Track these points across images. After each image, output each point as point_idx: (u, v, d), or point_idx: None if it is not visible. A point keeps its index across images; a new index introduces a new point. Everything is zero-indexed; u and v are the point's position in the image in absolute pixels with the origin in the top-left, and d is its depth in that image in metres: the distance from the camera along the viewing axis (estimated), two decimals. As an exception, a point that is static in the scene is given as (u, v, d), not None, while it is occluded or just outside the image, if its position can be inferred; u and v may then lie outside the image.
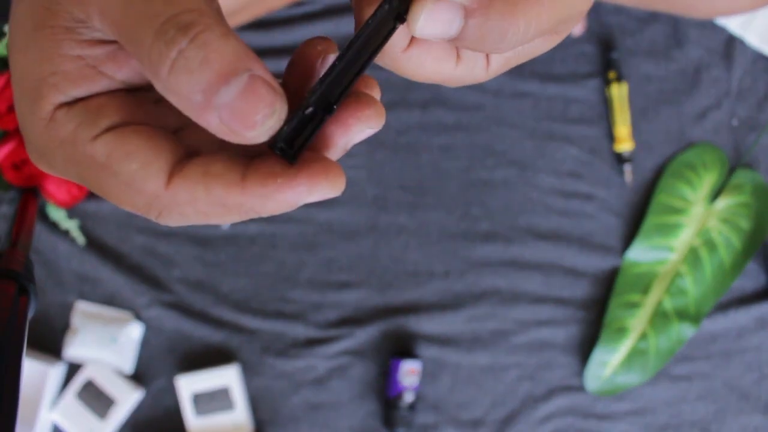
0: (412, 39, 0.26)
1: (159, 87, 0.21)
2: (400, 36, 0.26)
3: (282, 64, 1.01)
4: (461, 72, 0.28)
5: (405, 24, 0.24)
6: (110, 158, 0.22)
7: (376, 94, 0.25)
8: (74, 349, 0.97)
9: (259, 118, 0.20)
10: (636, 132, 1.02)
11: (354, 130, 0.24)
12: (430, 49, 0.27)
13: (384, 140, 1.02)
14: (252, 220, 1.01)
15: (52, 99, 0.23)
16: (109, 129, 0.23)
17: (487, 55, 0.28)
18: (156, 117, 0.24)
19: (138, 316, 1.01)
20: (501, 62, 0.28)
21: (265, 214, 0.23)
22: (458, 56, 0.27)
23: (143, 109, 0.24)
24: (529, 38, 0.25)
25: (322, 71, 0.24)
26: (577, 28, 1.01)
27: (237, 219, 0.23)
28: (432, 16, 0.23)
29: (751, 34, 1.01)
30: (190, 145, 0.24)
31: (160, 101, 0.25)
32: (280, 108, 0.21)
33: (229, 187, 0.22)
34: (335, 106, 0.23)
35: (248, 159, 0.23)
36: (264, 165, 0.22)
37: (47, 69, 0.23)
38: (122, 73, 0.24)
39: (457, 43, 0.25)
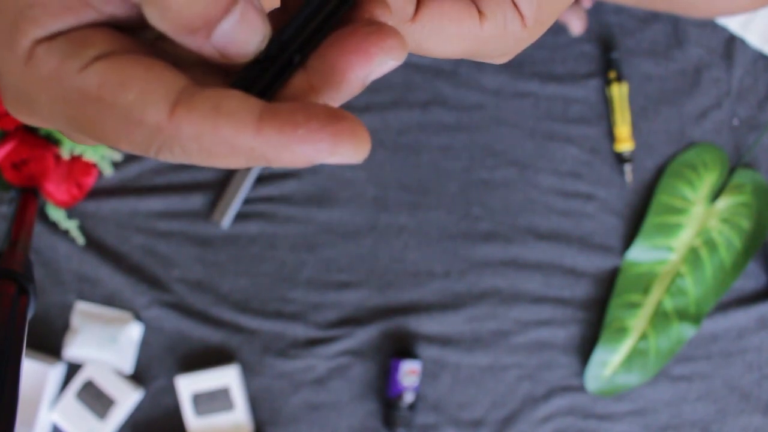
0: (418, 4, 0.24)
1: (152, 11, 0.19)
2: (404, 3, 0.24)
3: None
4: (492, 30, 0.25)
5: None
6: (103, 88, 0.20)
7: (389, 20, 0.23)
8: (74, 349, 0.97)
9: (252, 44, 0.20)
10: (636, 132, 1.02)
11: (375, 61, 0.22)
12: (442, 8, 0.24)
13: (384, 140, 1.02)
14: (253, 221, 1.01)
15: (31, 34, 0.20)
16: (98, 58, 0.20)
17: (514, 3, 0.25)
18: (143, 47, 0.22)
19: (138, 317, 1.01)
20: (533, 7, 0.25)
21: (277, 165, 0.20)
22: (480, 12, 0.25)
23: (135, 43, 0.22)
24: None
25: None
26: (578, 28, 1.01)
27: (245, 164, 0.21)
28: None
29: (751, 34, 1.01)
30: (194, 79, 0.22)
31: (154, 43, 0.23)
32: (268, 33, 0.21)
33: (241, 128, 0.20)
34: (297, 58, 0.22)
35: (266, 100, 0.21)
36: (284, 111, 0.20)
37: (24, 1, 0.20)
38: (110, 5, 0.21)
39: None
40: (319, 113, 0.20)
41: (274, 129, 0.19)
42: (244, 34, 0.20)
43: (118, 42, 0.21)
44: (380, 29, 0.22)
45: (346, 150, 0.20)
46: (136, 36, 0.22)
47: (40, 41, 0.20)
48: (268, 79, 0.22)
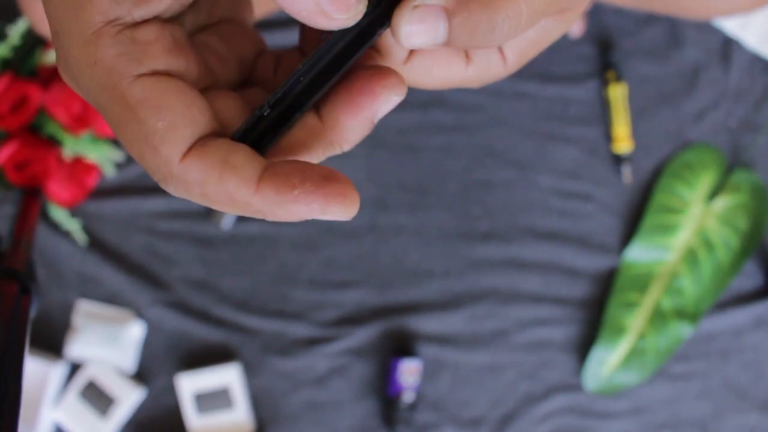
0: (411, 50, 0.25)
1: None
2: (397, 50, 0.25)
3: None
4: (476, 72, 0.26)
5: (392, 33, 0.23)
6: (141, 105, 0.21)
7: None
8: (76, 348, 0.97)
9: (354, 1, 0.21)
10: (634, 132, 1.02)
11: (382, 99, 0.23)
12: (432, 55, 0.26)
13: (384, 140, 1.03)
14: (253, 220, 1.02)
15: (106, 11, 0.21)
16: (152, 74, 0.21)
17: (500, 49, 0.26)
18: (192, 59, 0.23)
19: (139, 316, 1.01)
20: (516, 53, 0.26)
21: (270, 219, 0.22)
22: (467, 56, 0.26)
23: (182, 50, 0.23)
24: (525, 22, 0.23)
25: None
26: (577, 29, 1.02)
27: (239, 213, 0.22)
28: (414, 27, 0.22)
29: (748, 35, 1.02)
30: (214, 107, 0.23)
31: (193, 35, 0.25)
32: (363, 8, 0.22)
33: (243, 183, 0.21)
34: (298, 114, 0.23)
35: (268, 160, 0.22)
36: (283, 171, 0.21)
37: None
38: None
39: (451, 46, 0.23)
40: (314, 175, 0.21)
41: (272, 189, 0.21)
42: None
43: (172, 53, 0.22)
44: (381, 70, 0.23)
45: (335, 211, 0.21)
46: (180, 25, 0.23)
47: (109, 23, 0.21)
48: (270, 130, 0.23)
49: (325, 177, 0.21)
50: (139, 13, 0.21)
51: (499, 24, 0.22)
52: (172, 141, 0.21)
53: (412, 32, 0.22)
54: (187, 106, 0.21)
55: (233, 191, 0.21)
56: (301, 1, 0.20)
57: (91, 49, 0.21)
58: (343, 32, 0.22)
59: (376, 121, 0.24)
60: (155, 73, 0.21)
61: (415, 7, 0.22)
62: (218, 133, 0.22)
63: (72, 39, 0.21)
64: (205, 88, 0.24)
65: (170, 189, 0.22)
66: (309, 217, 0.21)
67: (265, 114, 0.23)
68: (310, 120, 0.24)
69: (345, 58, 0.23)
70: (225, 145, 0.21)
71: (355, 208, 0.22)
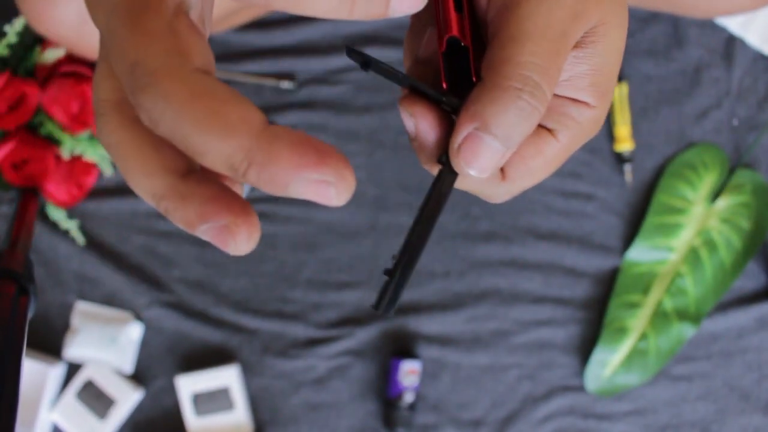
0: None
1: None
2: (490, 178, 0.28)
3: (282, 64, 1.01)
4: (568, 136, 0.28)
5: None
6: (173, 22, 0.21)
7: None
8: (74, 349, 0.97)
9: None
10: (636, 132, 1.02)
11: None
12: (520, 153, 0.28)
13: (384, 140, 1.02)
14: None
15: None
16: (198, 70, 0.21)
17: (576, 100, 0.29)
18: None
19: (138, 316, 1.01)
20: (597, 89, 0.29)
21: (370, 11, 0.23)
22: (549, 130, 0.28)
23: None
24: (526, 187, 0.29)
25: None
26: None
27: (334, 11, 0.22)
28: (471, 170, 0.26)
29: (751, 34, 1.01)
30: None
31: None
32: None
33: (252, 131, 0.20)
34: (416, 263, 0.27)
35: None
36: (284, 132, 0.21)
37: None
38: None
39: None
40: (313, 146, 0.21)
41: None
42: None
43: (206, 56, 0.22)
44: None
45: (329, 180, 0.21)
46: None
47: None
48: (398, 287, 0.27)
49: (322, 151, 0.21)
50: None
51: (533, 174, 0.29)
52: (160, 172, 0.22)
53: (472, 168, 0.26)
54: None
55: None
56: None
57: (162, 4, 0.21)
58: (437, 186, 0.27)
59: None
60: (200, 71, 0.21)
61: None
62: None
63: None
64: None
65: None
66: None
67: (396, 277, 0.27)
68: None
69: (439, 206, 0.28)
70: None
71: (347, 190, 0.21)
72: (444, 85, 0.28)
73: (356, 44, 1.02)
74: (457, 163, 0.26)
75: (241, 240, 0.21)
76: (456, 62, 0.28)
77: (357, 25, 1.02)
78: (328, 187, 0.20)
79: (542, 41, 0.24)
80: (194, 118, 0.19)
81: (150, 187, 0.22)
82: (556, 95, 0.27)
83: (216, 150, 0.19)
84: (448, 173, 0.27)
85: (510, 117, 0.24)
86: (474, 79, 0.27)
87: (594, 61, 0.27)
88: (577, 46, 0.26)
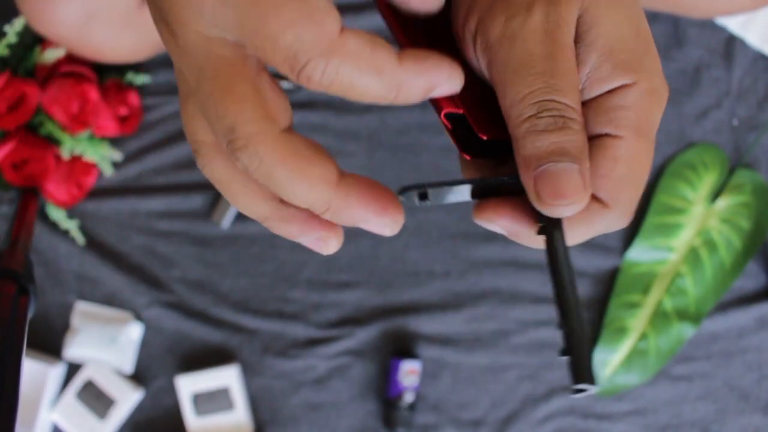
0: None
1: None
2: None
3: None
4: (618, 208, 0.30)
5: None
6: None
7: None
8: (74, 349, 0.97)
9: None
10: (636, 132, 1.02)
11: None
12: (570, 229, 0.29)
13: (384, 140, 1.02)
14: (253, 221, 1.01)
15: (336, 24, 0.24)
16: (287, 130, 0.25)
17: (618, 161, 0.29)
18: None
19: (138, 316, 1.01)
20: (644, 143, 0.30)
21: (410, 98, 0.25)
22: (601, 202, 0.29)
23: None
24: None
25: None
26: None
27: (381, 92, 0.25)
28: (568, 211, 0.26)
29: (751, 34, 1.01)
30: None
31: None
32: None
33: (391, 54, 0.24)
34: (579, 327, 0.26)
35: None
36: (416, 50, 0.25)
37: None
38: None
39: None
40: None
41: (411, 60, 0.25)
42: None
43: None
44: None
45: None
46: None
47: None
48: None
49: (438, 53, 0.25)
50: None
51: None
52: (334, 16, 0.23)
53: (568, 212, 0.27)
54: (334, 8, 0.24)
55: (383, 61, 0.24)
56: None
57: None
58: (553, 250, 0.27)
59: None
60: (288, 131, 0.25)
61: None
62: None
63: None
64: None
65: (322, 68, 0.24)
66: (440, 87, 0.25)
67: (571, 351, 0.26)
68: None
69: (567, 266, 0.27)
70: (363, 33, 0.24)
71: (461, 76, 0.25)
72: (467, 157, 0.29)
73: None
74: (548, 208, 0.26)
75: (332, 245, 0.28)
76: (466, 128, 0.29)
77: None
78: (386, 227, 0.26)
79: (530, 68, 0.26)
80: (284, 176, 0.24)
81: (255, 212, 0.27)
82: (591, 99, 0.27)
83: (301, 199, 0.25)
84: (553, 230, 0.27)
85: (549, 138, 0.25)
86: (484, 137, 0.28)
87: (601, 44, 0.27)
88: (577, 40, 0.27)
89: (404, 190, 0.28)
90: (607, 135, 0.27)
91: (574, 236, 0.28)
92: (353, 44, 0.23)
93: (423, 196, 0.28)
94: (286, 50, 0.23)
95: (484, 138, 0.28)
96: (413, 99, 0.25)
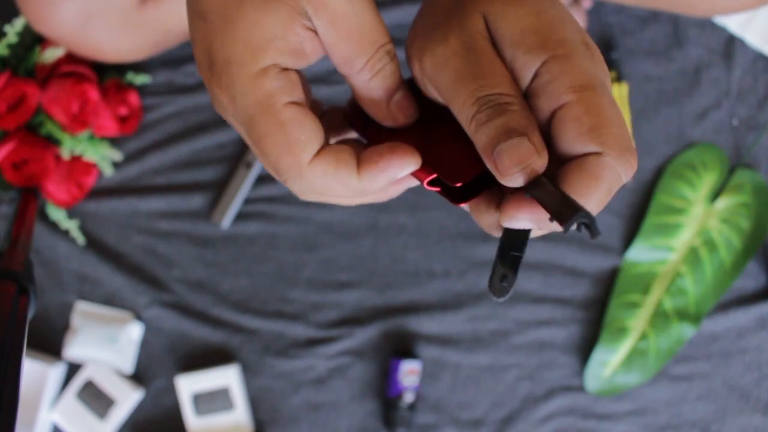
0: None
1: (355, 80, 0.32)
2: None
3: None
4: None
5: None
6: (290, 122, 0.30)
7: None
8: (74, 349, 0.97)
9: (409, 114, 0.34)
10: (636, 132, 1.02)
11: None
12: None
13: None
14: (253, 221, 1.01)
15: (273, 58, 0.30)
16: (297, 103, 0.31)
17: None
18: (309, 95, 0.34)
19: (138, 316, 1.01)
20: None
21: (381, 197, 0.34)
22: None
23: (307, 89, 0.33)
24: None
25: None
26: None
27: (356, 200, 0.33)
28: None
29: (751, 34, 1.01)
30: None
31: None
32: (414, 113, 0.35)
33: (350, 171, 0.31)
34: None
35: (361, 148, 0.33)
36: (367, 153, 0.32)
37: (280, 33, 0.30)
38: (312, 57, 0.32)
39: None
40: (383, 149, 0.32)
41: (365, 168, 0.32)
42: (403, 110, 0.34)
43: (305, 90, 0.33)
44: None
45: (402, 164, 0.32)
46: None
47: (275, 65, 0.30)
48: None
49: (389, 147, 0.31)
50: (293, 64, 0.31)
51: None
52: (308, 149, 0.31)
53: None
54: (316, 126, 0.31)
55: (345, 177, 0.31)
56: (379, 109, 0.33)
57: (259, 78, 0.30)
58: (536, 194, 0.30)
59: None
60: (296, 103, 0.31)
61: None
62: (329, 146, 0.32)
63: (244, 68, 0.30)
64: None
65: (298, 186, 0.32)
66: (399, 177, 0.32)
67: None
68: None
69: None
70: (334, 149, 0.31)
71: (415, 158, 0.32)
72: (461, 205, 0.34)
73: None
74: (508, 177, 0.29)
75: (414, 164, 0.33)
76: (446, 184, 0.34)
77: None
78: (402, 163, 0.33)
79: (462, 80, 0.30)
80: (324, 191, 0.32)
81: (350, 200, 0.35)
82: (531, 92, 0.30)
83: (343, 199, 0.33)
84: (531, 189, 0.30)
85: (493, 125, 0.29)
86: (458, 185, 0.32)
87: (508, 38, 0.30)
88: (494, 44, 0.30)
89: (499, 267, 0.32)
90: (561, 107, 0.29)
91: (593, 201, 0.29)
92: (320, 169, 0.31)
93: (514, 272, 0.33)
94: (271, 165, 0.31)
95: (459, 185, 0.32)
96: (380, 195, 0.32)
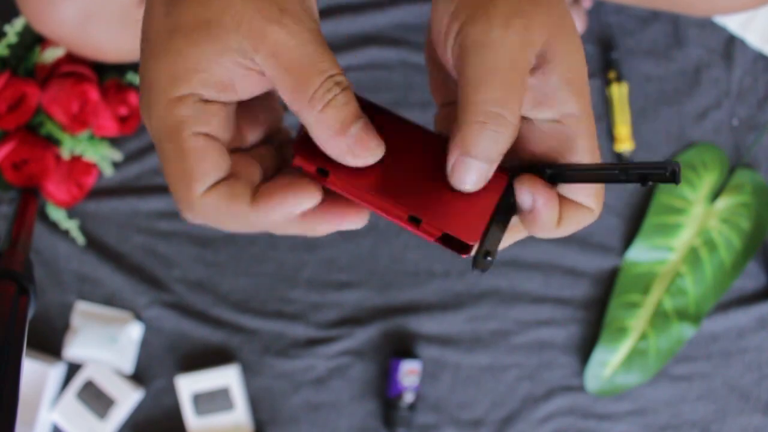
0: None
1: (306, 114, 0.30)
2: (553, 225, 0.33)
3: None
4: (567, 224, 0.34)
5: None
6: (191, 151, 0.30)
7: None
8: (74, 349, 0.97)
9: (372, 147, 0.31)
10: (636, 132, 1.02)
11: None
12: (576, 214, 0.35)
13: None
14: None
15: (194, 88, 0.30)
16: (206, 134, 0.30)
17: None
18: (232, 130, 0.33)
19: (138, 316, 1.01)
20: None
21: (271, 230, 0.33)
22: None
23: (229, 124, 0.32)
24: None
25: None
26: (578, 28, 1.01)
27: (247, 230, 0.32)
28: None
29: (751, 34, 1.01)
30: (233, 164, 0.33)
31: (238, 115, 0.34)
32: (379, 146, 0.32)
33: (243, 203, 0.31)
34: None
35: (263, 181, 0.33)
36: (264, 187, 0.32)
37: (204, 65, 0.29)
38: (243, 92, 0.31)
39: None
40: (276, 183, 0.33)
41: (259, 202, 0.32)
42: (367, 138, 0.31)
43: (223, 124, 0.32)
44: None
45: (299, 199, 0.32)
46: (233, 106, 0.33)
47: (193, 95, 0.30)
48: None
49: (288, 181, 0.32)
50: (217, 96, 0.30)
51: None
52: (203, 181, 0.30)
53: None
54: (220, 159, 0.31)
55: (238, 209, 0.31)
56: (336, 145, 0.31)
57: (173, 105, 0.30)
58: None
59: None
60: (206, 135, 0.30)
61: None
62: (230, 178, 0.32)
63: (162, 94, 0.30)
64: (233, 149, 0.33)
65: (189, 216, 0.32)
66: (296, 213, 0.32)
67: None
68: None
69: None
70: (230, 183, 0.31)
71: (313, 194, 0.32)
72: (465, 256, 0.33)
73: (357, 44, 1.02)
74: (454, 182, 0.31)
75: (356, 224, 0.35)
76: (453, 239, 0.33)
77: (357, 24, 1.02)
78: (300, 199, 0.33)
79: (494, 79, 0.29)
80: (212, 225, 0.32)
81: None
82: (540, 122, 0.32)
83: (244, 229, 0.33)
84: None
85: (484, 143, 0.30)
86: (470, 243, 0.32)
87: (559, 70, 0.31)
88: (538, 66, 0.31)
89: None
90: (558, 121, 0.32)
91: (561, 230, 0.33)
92: (212, 203, 0.31)
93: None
94: (171, 190, 0.31)
95: (471, 243, 0.31)
96: (278, 227, 0.32)
